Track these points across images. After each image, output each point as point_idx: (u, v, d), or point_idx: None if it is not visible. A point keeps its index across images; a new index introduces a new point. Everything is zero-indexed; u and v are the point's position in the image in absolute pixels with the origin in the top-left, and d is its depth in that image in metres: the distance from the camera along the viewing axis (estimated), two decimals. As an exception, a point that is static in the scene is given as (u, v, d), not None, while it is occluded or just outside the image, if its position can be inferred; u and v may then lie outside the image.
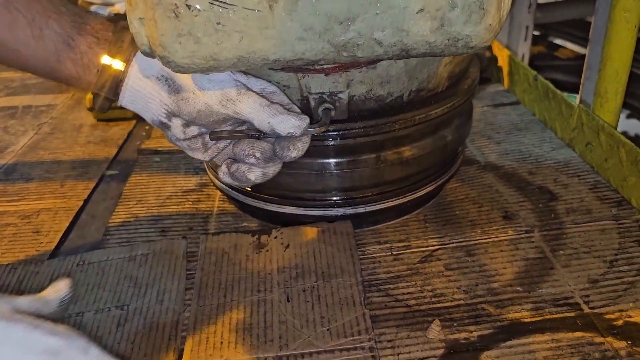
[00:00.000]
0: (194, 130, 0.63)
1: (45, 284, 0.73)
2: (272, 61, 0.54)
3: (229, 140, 0.65)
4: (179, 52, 0.52)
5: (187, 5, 0.50)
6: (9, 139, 1.15)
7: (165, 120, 0.62)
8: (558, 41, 1.96)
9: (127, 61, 0.58)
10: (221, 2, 0.50)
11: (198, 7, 0.50)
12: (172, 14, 0.51)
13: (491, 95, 1.20)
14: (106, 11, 1.95)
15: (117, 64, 0.58)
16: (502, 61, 1.22)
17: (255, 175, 0.63)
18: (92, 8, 2.03)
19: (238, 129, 0.64)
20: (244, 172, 0.62)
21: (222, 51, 0.53)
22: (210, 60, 0.53)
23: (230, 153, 0.66)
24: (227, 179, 0.64)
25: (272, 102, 0.60)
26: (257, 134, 0.62)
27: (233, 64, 0.54)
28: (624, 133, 2.02)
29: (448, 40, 0.52)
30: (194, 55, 0.53)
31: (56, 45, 0.56)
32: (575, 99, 0.98)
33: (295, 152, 0.61)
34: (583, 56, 0.99)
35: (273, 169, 0.64)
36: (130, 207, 0.89)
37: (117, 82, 0.59)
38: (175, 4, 0.50)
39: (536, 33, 1.91)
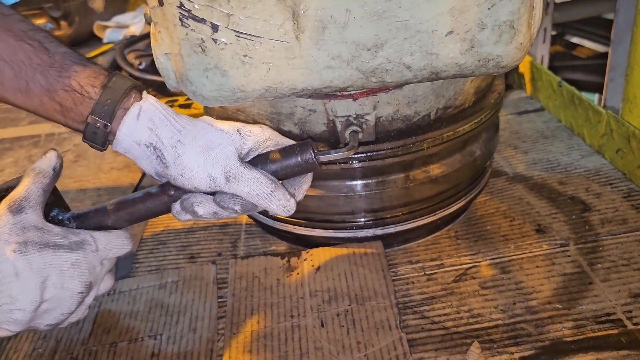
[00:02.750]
0: None
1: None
2: (300, 90, 0.54)
3: None
4: (207, 86, 0.52)
5: (213, 39, 0.50)
6: (35, 167, 1.16)
7: (157, 178, 0.58)
8: (575, 40, 1.92)
9: (113, 120, 0.54)
10: (247, 34, 0.50)
11: (224, 40, 0.50)
12: (198, 48, 0.51)
13: (514, 103, 1.18)
14: (121, 34, 1.98)
15: (102, 125, 0.54)
16: (524, 67, 1.21)
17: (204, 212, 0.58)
18: (107, 31, 2.06)
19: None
20: (192, 204, 0.57)
21: (250, 83, 0.52)
22: (238, 92, 0.53)
23: None
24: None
25: (262, 182, 0.54)
26: None
27: (261, 94, 0.54)
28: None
29: (479, 61, 0.52)
30: (222, 88, 0.53)
31: (41, 100, 0.54)
32: (594, 101, 0.96)
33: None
34: (603, 54, 0.97)
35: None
36: (157, 234, 0.89)
37: (103, 139, 0.55)
38: (202, 39, 0.50)
39: (553, 32, 1.89)
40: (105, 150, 0.57)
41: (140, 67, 1.52)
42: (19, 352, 0.69)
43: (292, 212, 0.57)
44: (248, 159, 0.56)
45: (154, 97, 0.53)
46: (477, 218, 0.83)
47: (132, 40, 1.74)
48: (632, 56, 0.84)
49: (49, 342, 0.70)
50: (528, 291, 0.69)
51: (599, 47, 1.78)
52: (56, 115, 0.55)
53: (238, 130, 0.53)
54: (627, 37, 0.86)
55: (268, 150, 0.56)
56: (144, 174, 1.09)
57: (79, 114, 0.54)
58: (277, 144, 0.56)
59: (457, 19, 0.49)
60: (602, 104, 0.98)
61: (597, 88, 1.00)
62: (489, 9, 0.49)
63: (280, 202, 0.55)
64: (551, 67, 1.39)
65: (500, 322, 0.65)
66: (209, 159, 0.52)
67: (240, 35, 0.50)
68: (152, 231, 0.90)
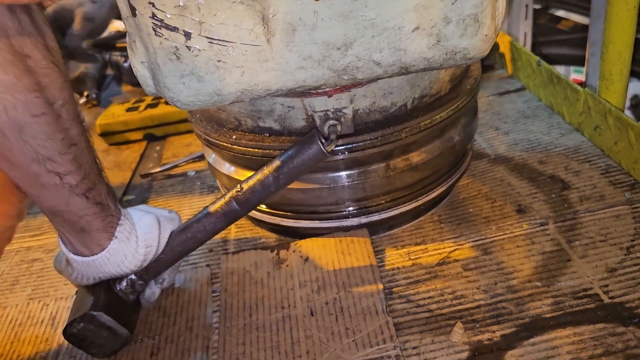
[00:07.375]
0: None
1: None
2: (274, 91, 0.55)
3: None
4: (184, 92, 0.54)
5: (187, 46, 0.51)
6: (26, 172, 1.17)
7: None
8: (560, 13, 1.93)
9: None
10: (220, 40, 0.51)
11: (198, 47, 0.52)
12: (173, 56, 0.52)
13: (495, 84, 1.20)
14: (106, 30, 1.97)
15: None
16: (504, 47, 1.22)
17: None
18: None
19: None
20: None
21: (226, 86, 0.54)
22: (215, 96, 0.55)
23: None
24: None
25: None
26: None
27: (237, 97, 0.55)
28: (635, 97, 1.97)
29: (446, 54, 0.53)
30: (199, 93, 0.54)
31: None
32: (582, 73, 0.97)
33: None
34: (586, 26, 0.99)
35: None
36: (150, 232, 0.91)
37: None
38: (176, 47, 0.52)
39: (537, 7, 1.88)
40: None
41: (125, 64, 1.52)
42: (22, 357, 0.71)
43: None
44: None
45: None
46: (459, 201, 0.85)
47: (116, 37, 1.74)
48: (606, 34, 0.86)
49: (51, 345, 0.72)
50: (509, 271, 0.71)
51: (583, 19, 1.78)
52: None
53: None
54: (603, 12, 0.87)
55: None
56: (134, 174, 1.10)
57: None
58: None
59: (423, 15, 0.51)
60: (584, 80, 0.99)
61: (582, 61, 1.01)
62: (452, 3, 0.51)
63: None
64: (535, 43, 1.39)
65: (482, 302, 0.67)
66: None
67: (213, 41, 0.51)
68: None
